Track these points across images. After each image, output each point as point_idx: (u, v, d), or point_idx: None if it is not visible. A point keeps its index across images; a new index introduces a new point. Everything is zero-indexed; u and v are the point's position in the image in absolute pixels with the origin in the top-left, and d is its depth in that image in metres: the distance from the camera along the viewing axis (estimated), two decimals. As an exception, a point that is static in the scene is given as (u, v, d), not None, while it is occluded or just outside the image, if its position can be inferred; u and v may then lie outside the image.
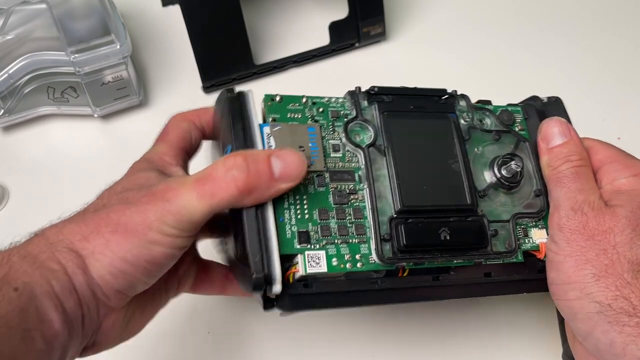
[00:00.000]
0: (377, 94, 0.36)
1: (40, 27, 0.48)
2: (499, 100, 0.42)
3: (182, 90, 0.53)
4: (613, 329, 0.30)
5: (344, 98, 0.36)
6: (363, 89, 0.36)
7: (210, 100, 0.52)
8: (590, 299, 0.31)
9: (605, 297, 0.31)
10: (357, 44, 0.56)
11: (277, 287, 0.30)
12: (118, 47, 0.47)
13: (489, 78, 0.55)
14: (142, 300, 0.34)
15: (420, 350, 0.44)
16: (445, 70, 0.55)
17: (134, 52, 0.50)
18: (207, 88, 0.53)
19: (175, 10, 0.49)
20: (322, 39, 0.54)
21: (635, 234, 0.32)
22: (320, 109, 0.35)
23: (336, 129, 0.35)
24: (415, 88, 0.37)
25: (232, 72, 0.53)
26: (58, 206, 0.43)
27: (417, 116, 0.36)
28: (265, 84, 0.54)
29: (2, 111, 0.49)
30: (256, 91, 0.52)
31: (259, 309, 0.43)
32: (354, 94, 0.36)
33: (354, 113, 0.35)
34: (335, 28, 0.54)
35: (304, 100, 0.35)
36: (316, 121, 0.35)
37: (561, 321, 0.42)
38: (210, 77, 0.53)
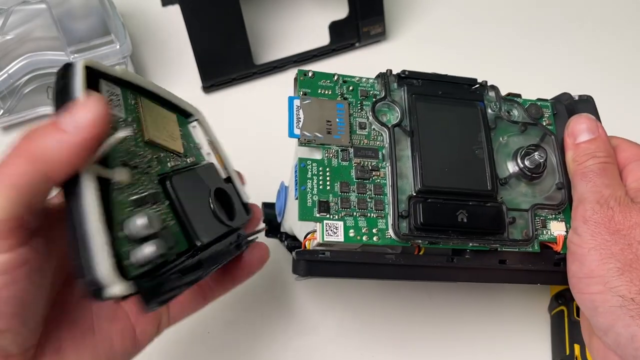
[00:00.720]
0: (407, 77, 0.37)
1: (39, 27, 0.47)
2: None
3: (182, 90, 0.50)
4: (635, 323, 0.30)
5: (375, 79, 0.37)
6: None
7: (209, 99, 0.53)
8: (614, 293, 0.31)
9: (629, 291, 0.31)
10: (357, 44, 0.56)
11: (113, 290, 0.23)
12: (118, 47, 0.47)
13: (491, 78, 0.54)
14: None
15: (425, 335, 0.44)
16: (446, 71, 0.55)
17: (133, 52, 0.50)
18: (207, 88, 0.53)
19: (175, 10, 0.49)
20: (322, 38, 0.54)
21: None
22: (350, 88, 0.36)
23: (364, 107, 0.36)
24: (446, 75, 0.38)
25: (231, 72, 0.53)
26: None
27: (445, 101, 0.37)
28: (265, 84, 0.54)
29: (2, 111, 0.48)
30: (256, 91, 0.54)
31: (259, 308, 0.44)
32: (384, 76, 0.37)
33: (382, 93, 0.36)
34: (335, 28, 0.54)
35: (335, 77, 0.36)
36: (345, 99, 0.36)
37: (553, 336, 0.43)
38: (210, 77, 0.53)
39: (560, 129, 0.38)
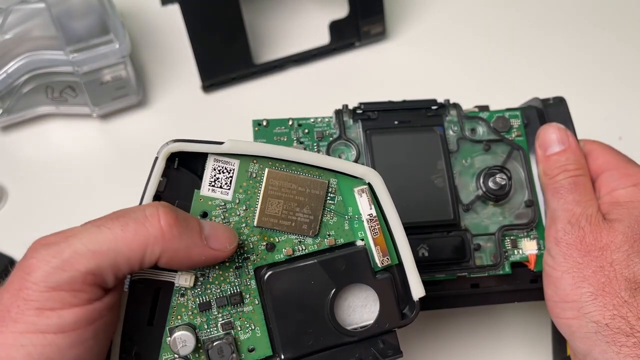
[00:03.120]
0: (363, 112, 0.37)
1: (38, 26, 0.47)
2: (501, 100, 0.41)
3: (181, 90, 0.53)
4: (611, 349, 0.30)
5: (331, 117, 0.37)
6: (354, 103, 0.37)
7: (209, 99, 0.54)
8: (588, 319, 0.31)
9: (603, 316, 0.31)
10: (357, 43, 0.55)
11: None
12: (117, 46, 0.46)
13: (491, 78, 0.52)
14: None
15: (425, 336, 0.45)
16: (447, 70, 0.54)
17: (133, 51, 0.50)
18: (206, 87, 0.53)
19: (175, 9, 0.49)
20: (322, 38, 0.54)
21: (633, 250, 0.32)
22: (306, 130, 0.37)
23: (321, 148, 0.36)
24: (404, 101, 0.37)
25: (231, 72, 0.53)
26: (57, 206, 0.47)
27: (402, 132, 0.36)
28: (264, 84, 0.54)
29: (1, 111, 0.48)
30: (255, 91, 0.54)
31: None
32: (339, 113, 0.37)
33: (338, 132, 0.37)
34: (335, 27, 0.53)
35: (290, 122, 0.37)
36: (301, 143, 0.37)
37: (554, 337, 0.42)
38: (210, 77, 0.53)
39: (532, 137, 0.37)
